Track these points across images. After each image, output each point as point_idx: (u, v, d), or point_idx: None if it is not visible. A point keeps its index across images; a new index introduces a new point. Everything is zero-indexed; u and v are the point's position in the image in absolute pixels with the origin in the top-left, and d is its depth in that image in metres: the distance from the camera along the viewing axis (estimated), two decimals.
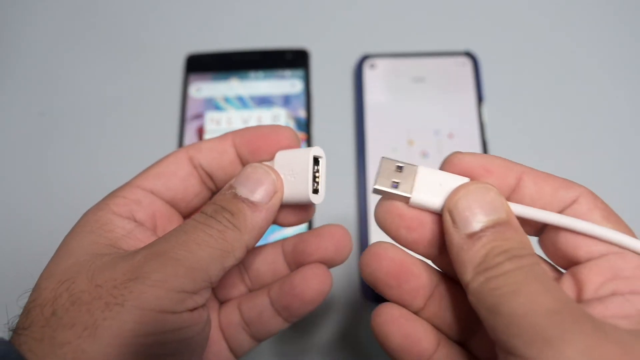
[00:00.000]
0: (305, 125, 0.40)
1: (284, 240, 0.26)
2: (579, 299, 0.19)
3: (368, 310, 0.35)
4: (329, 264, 0.25)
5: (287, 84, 0.42)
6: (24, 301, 0.20)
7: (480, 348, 0.22)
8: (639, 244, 0.18)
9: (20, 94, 0.43)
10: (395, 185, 0.21)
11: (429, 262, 0.22)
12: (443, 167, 0.21)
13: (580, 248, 0.19)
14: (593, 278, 0.19)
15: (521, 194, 0.20)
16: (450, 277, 0.23)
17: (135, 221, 0.23)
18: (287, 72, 0.42)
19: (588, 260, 0.19)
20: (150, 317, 0.19)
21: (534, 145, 0.39)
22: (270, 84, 0.42)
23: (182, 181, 0.24)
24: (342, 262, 0.25)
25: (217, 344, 0.25)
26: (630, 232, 0.19)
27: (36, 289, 0.20)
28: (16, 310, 0.20)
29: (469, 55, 0.41)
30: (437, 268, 0.23)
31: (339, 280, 0.35)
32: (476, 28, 0.44)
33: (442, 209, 0.20)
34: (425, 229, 0.21)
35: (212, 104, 0.41)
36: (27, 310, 0.19)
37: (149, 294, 0.19)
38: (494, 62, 0.42)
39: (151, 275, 0.19)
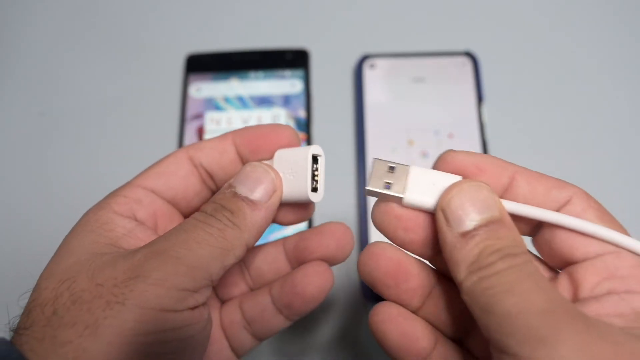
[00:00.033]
0: (305, 125, 0.40)
1: (285, 239, 0.26)
2: (575, 298, 0.19)
3: (368, 310, 0.34)
4: (331, 261, 0.25)
5: (287, 84, 0.41)
6: (24, 301, 0.20)
7: (478, 346, 0.22)
8: (634, 243, 0.19)
9: (20, 94, 0.43)
10: (388, 186, 0.21)
11: (427, 262, 0.22)
12: (436, 165, 0.21)
13: (576, 248, 0.19)
14: (589, 277, 0.19)
15: (514, 193, 0.20)
16: (447, 276, 0.22)
17: (136, 220, 0.23)
18: (287, 72, 0.42)
19: (584, 260, 0.19)
20: (151, 315, 0.19)
21: (533, 145, 0.39)
22: (270, 84, 0.42)
23: (182, 180, 0.24)
24: (343, 259, 0.25)
25: (218, 343, 0.25)
26: (624, 232, 0.19)
27: (37, 288, 0.20)
28: (17, 310, 0.20)
29: (469, 55, 0.41)
30: (435, 268, 0.23)
31: (339, 280, 0.35)
32: (476, 28, 0.44)
33: (436, 208, 0.20)
34: (422, 230, 0.21)
35: (212, 104, 0.41)
36: (28, 310, 0.19)
37: (150, 292, 0.19)
38: (494, 62, 0.42)
39: (152, 274, 0.19)
